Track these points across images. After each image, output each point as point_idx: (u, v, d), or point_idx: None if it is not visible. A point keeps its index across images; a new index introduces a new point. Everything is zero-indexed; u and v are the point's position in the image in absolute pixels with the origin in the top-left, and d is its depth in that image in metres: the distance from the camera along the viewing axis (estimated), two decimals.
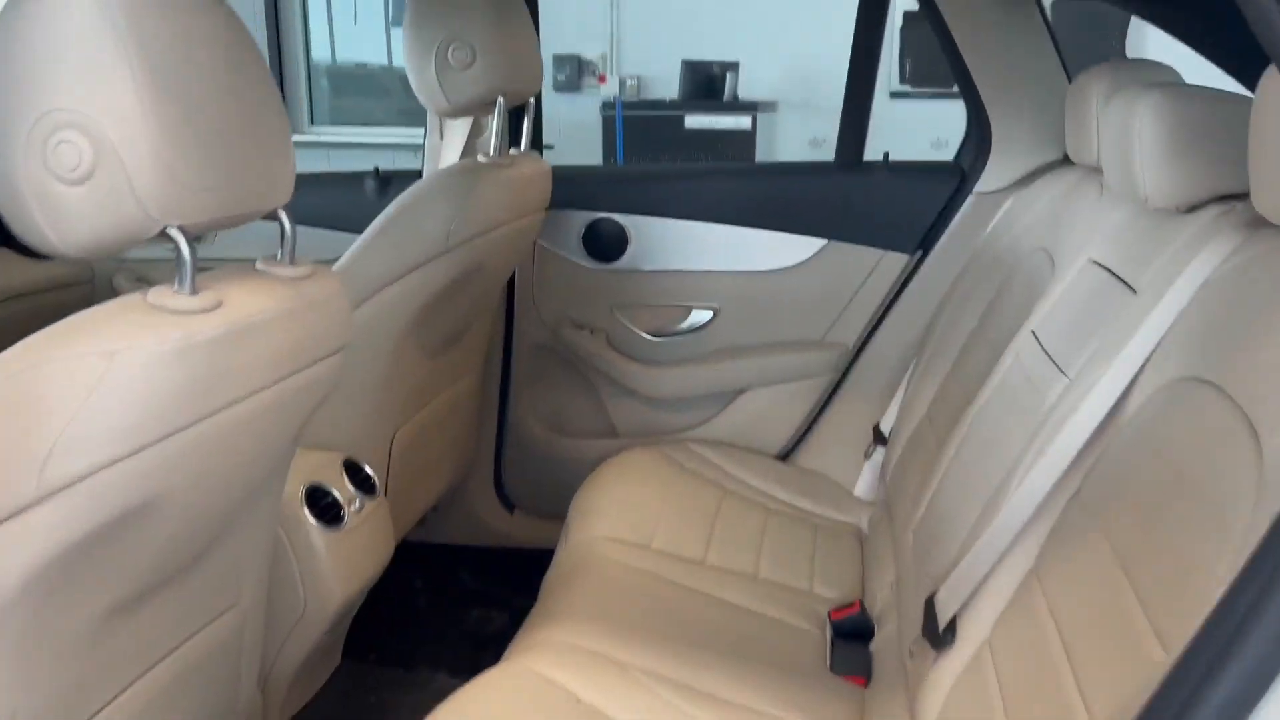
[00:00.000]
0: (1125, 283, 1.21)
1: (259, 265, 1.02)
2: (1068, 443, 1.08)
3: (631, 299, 2.18)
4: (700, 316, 2.18)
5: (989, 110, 2.00)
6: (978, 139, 2.05)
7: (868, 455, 2.04)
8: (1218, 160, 1.15)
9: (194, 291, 0.88)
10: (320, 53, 7.09)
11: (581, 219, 2.13)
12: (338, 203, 2.21)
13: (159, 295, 0.87)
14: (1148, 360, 1.05)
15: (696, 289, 2.16)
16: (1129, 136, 1.21)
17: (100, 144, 0.81)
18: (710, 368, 2.18)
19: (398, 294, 1.59)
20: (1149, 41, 4.87)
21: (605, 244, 2.14)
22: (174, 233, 0.86)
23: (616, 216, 2.13)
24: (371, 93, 7.06)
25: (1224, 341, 0.93)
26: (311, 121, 7.08)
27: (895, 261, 2.09)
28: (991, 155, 2.02)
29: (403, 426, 1.75)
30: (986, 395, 1.45)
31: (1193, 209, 1.19)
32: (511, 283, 2.18)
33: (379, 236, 1.58)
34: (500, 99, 1.64)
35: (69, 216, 0.82)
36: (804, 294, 2.14)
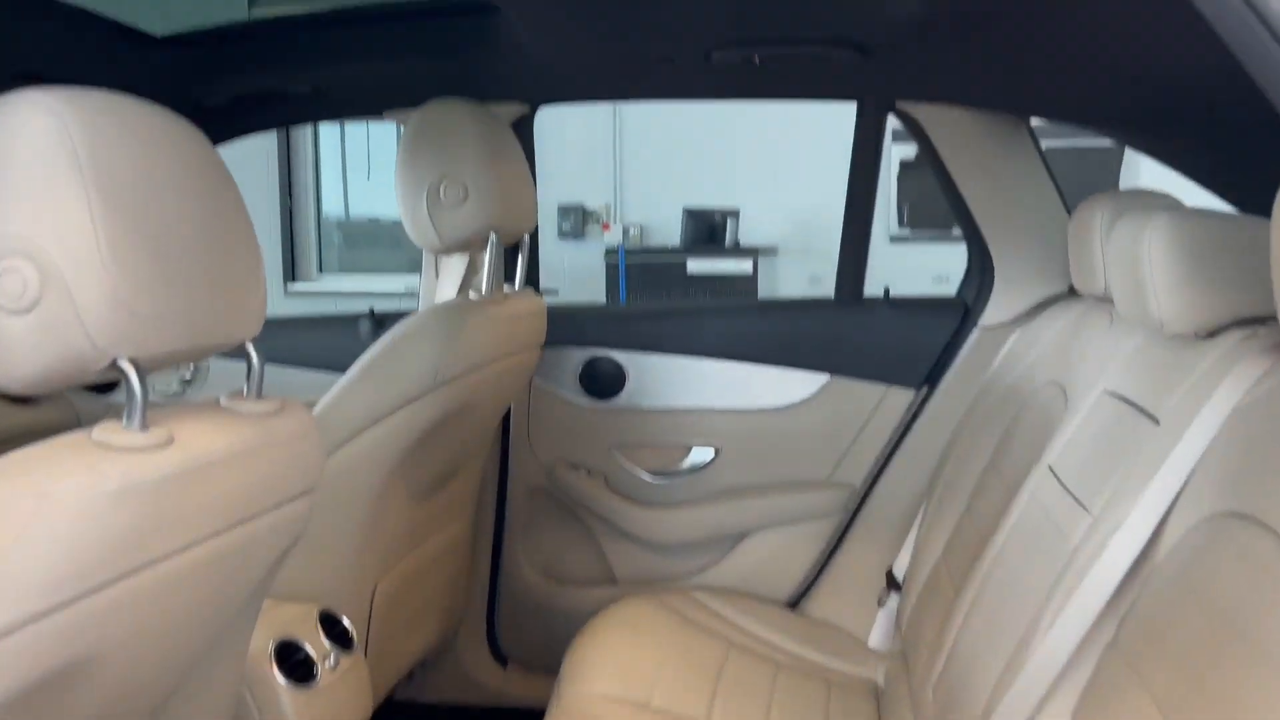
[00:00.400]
0: (1146, 413, 1.15)
1: (223, 401, 0.96)
2: (1097, 585, 0.99)
3: (630, 438, 2.11)
4: (701, 456, 2.11)
5: (990, 244, 1.98)
6: (980, 273, 2.03)
7: (881, 603, 1.93)
8: (1234, 283, 1.10)
9: (144, 427, 0.82)
10: (336, 208, 7.28)
11: (578, 356, 2.09)
12: (333, 344, 2.18)
13: (105, 431, 0.81)
14: (1179, 494, 0.97)
15: (697, 427, 2.10)
16: (1138, 261, 1.16)
17: (47, 271, 0.76)
18: (713, 510, 2.09)
19: (382, 434, 1.53)
20: (1142, 178, 4.96)
21: (602, 382, 2.09)
22: (124, 365, 0.80)
23: (614, 353, 2.08)
24: (382, 244, 7.22)
25: (1262, 472, 0.86)
26: (320, 270, 7.20)
27: (900, 397, 2.03)
28: (995, 288, 1.99)
29: (387, 575, 1.66)
30: (1004, 535, 1.36)
31: (1212, 335, 1.13)
32: (506, 423, 2.12)
33: (363, 375, 1.53)
34: (493, 236, 1.61)
35: (11, 348, 0.77)
36: (808, 431, 2.07)
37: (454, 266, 1.81)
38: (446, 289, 1.81)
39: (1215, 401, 0.99)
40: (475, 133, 1.60)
